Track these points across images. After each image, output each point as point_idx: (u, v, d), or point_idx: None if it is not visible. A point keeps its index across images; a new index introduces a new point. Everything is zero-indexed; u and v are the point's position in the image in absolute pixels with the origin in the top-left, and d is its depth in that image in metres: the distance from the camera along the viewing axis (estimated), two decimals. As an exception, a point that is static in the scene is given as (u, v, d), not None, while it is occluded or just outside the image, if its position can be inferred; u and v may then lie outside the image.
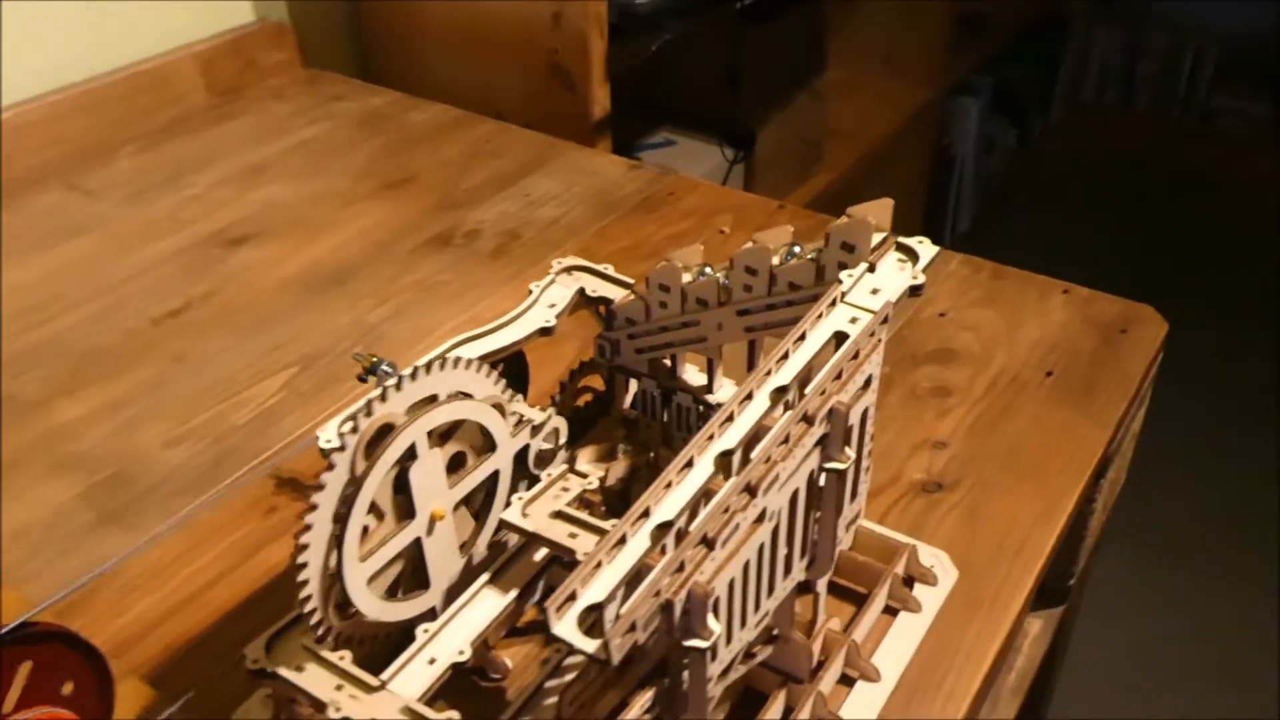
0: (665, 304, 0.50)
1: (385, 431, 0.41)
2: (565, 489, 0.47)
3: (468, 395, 0.45)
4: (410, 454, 0.42)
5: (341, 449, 0.40)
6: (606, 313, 0.52)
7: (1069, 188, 2.53)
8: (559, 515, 0.45)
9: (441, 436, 0.44)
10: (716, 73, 1.27)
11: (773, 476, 0.34)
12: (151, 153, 0.93)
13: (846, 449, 0.38)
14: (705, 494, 0.35)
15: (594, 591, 0.31)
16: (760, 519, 0.35)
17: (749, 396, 0.37)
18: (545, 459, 0.50)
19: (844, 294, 0.41)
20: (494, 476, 0.47)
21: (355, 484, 0.40)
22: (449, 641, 0.43)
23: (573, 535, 0.44)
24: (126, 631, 0.52)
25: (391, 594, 0.45)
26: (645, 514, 0.33)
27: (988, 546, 0.54)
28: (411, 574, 0.45)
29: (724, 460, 0.35)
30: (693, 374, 0.53)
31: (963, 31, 1.88)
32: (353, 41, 1.16)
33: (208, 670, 0.49)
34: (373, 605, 0.43)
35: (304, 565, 0.40)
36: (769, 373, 0.37)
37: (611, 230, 0.82)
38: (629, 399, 0.55)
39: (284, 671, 0.42)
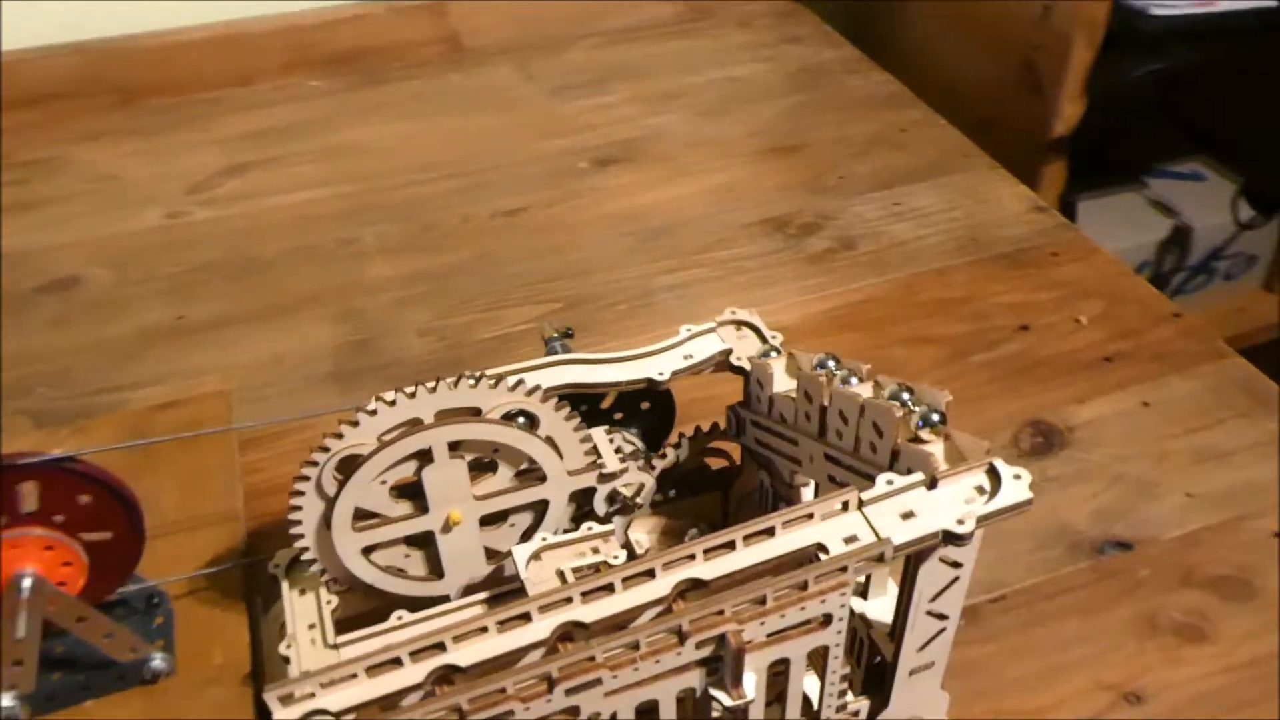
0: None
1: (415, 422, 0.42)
2: (593, 550, 0.44)
3: (530, 415, 0.44)
4: (426, 456, 0.42)
5: (355, 425, 0.41)
6: (745, 385, 0.47)
7: None
8: (560, 575, 0.43)
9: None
10: (1259, 114, 1.01)
11: (589, 679, 0.29)
12: (600, 52, 0.98)
13: (744, 685, 0.30)
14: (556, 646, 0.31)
15: (332, 700, 0.29)
16: (574, 713, 0.30)
17: (649, 573, 0.31)
18: (616, 508, 0.47)
19: (864, 500, 0.32)
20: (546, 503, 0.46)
21: (356, 464, 0.41)
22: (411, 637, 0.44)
23: (551, 601, 0.41)
24: (283, 479, 0.59)
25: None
26: (439, 646, 0.30)
27: None
28: (427, 558, 0.46)
29: (562, 629, 0.30)
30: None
31: None
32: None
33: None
34: (368, 572, 0.45)
35: (299, 509, 0.43)
36: (692, 556, 0.31)
37: (952, 274, 0.71)
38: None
39: (285, 589, 0.45)
